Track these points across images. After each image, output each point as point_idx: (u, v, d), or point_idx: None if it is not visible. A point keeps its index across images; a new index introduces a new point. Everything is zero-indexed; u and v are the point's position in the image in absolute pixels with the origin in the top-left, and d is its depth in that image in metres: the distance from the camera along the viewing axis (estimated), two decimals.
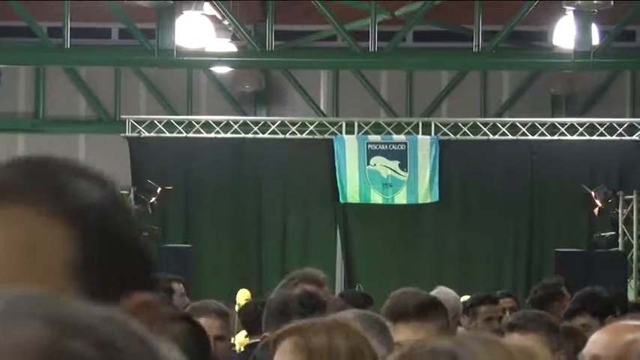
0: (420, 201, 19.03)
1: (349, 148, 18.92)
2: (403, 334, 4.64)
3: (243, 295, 13.91)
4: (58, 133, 20.12)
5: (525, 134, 18.79)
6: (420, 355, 1.96)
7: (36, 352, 1.00)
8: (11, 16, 16.31)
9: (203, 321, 6.11)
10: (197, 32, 15.82)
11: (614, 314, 7.82)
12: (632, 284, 17.55)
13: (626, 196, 18.67)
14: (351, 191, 19.03)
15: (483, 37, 15.20)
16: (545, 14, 15.66)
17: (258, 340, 6.29)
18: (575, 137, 18.74)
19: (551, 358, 5.38)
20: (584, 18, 14.96)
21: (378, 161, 18.95)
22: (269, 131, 18.98)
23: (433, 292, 7.68)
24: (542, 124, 18.82)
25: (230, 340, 6.69)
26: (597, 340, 3.53)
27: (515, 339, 5.46)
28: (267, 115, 19.76)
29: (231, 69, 18.90)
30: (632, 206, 18.66)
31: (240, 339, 10.34)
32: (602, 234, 18.57)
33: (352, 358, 3.34)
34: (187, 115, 19.63)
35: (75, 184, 1.37)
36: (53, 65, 18.94)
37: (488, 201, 19.32)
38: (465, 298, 9.46)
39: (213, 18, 16.14)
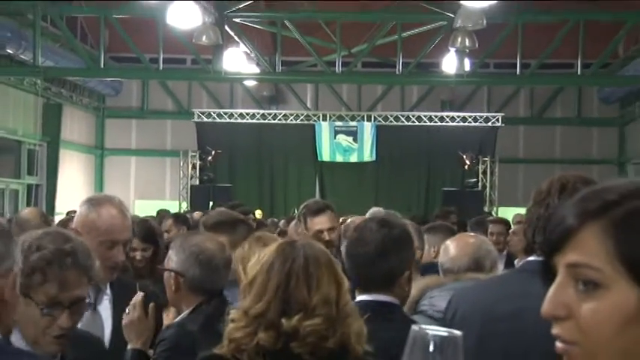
0: (365, 160, 18.99)
1: (324, 130, 18.88)
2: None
3: (257, 214, 14.12)
4: (154, 119, 20.17)
5: (426, 122, 18.78)
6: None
7: None
8: (127, 50, 15.95)
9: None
10: (236, 61, 15.65)
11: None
12: (485, 209, 17.59)
13: (484, 158, 18.74)
14: (325, 154, 19.00)
15: (402, 65, 15.06)
16: (438, 52, 15.55)
17: None
18: (454, 124, 18.80)
19: None
20: (461, 54, 14.92)
21: (341, 137, 18.90)
22: (277, 119, 18.93)
23: (369, 212, 7.44)
24: (436, 116, 18.82)
25: None
26: None
27: (428, 239, 5.16)
28: (277, 109, 19.65)
29: (255, 82, 18.76)
30: (487, 165, 18.72)
31: None
32: (470, 180, 18.76)
33: None
34: (230, 109, 19.50)
35: None
36: (152, 79, 18.81)
37: (404, 161, 19.29)
38: None
39: (245, 53, 16.04)
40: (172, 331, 2.99)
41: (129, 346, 3.04)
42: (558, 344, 1.05)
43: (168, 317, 3.40)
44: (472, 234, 4.42)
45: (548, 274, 1.07)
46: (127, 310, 3.06)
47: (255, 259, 2.27)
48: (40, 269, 2.16)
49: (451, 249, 3.65)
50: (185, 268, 3.12)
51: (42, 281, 2.17)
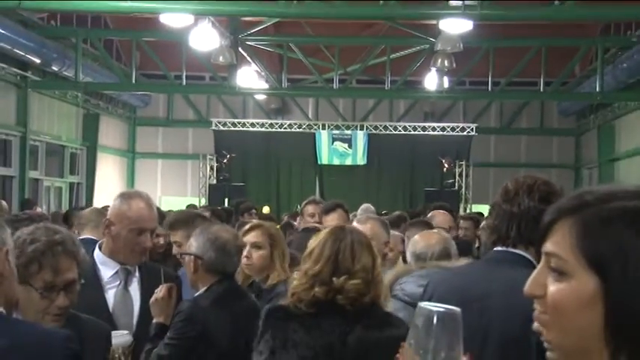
0: (358, 163, 18.87)
1: (323, 137, 18.78)
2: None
3: (266, 209, 13.99)
4: (178, 127, 20.09)
5: (411, 131, 18.73)
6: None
7: None
8: (155, 68, 16.04)
9: None
10: (248, 77, 15.61)
11: None
12: (462, 207, 17.59)
13: (460, 163, 18.67)
14: (324, 158, 18.88)
15: (391, 82, 15.15)
16: (421, 71, 15.57)
17: None
18: (435, 133, 18.72)
19: None
20: (441, 73, 14.92)
21: (338, 144, 18.80)
22: (283, 128, 18.88)
23: (361, 208, 7.48)
24: (419, 126, 18.77)
25: None
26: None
27: (412, 231, 5.07)
28: (283, 119, 19.56)
29: (265, 96, 18.66)
30: (462, 168, 18.65)
31: None
32: (448, 181, 18.69)
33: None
34: (243, 119, 19.38)
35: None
36: (176, 93, 18.77)
37: (392, 164, 19.11)
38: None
39: (256, 71, 16.03)
40: (187, 304, 3.07)
41: (154, 320, 3.12)
42: (535, 314, 1.08)
43: None
44: (435, 231, 4.47)
45: (539, 260, 1.11)
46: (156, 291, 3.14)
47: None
48: (36, 259, 2.17)
49: (422, 240, 3.71)
50: (203, 251, 3.19)
51: (38, 269, 2.17)
